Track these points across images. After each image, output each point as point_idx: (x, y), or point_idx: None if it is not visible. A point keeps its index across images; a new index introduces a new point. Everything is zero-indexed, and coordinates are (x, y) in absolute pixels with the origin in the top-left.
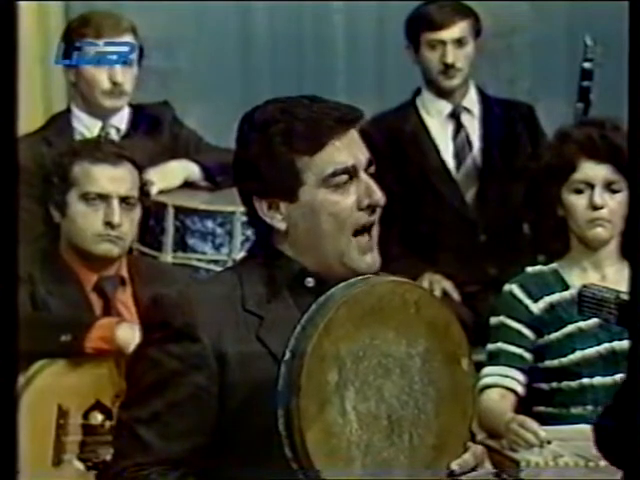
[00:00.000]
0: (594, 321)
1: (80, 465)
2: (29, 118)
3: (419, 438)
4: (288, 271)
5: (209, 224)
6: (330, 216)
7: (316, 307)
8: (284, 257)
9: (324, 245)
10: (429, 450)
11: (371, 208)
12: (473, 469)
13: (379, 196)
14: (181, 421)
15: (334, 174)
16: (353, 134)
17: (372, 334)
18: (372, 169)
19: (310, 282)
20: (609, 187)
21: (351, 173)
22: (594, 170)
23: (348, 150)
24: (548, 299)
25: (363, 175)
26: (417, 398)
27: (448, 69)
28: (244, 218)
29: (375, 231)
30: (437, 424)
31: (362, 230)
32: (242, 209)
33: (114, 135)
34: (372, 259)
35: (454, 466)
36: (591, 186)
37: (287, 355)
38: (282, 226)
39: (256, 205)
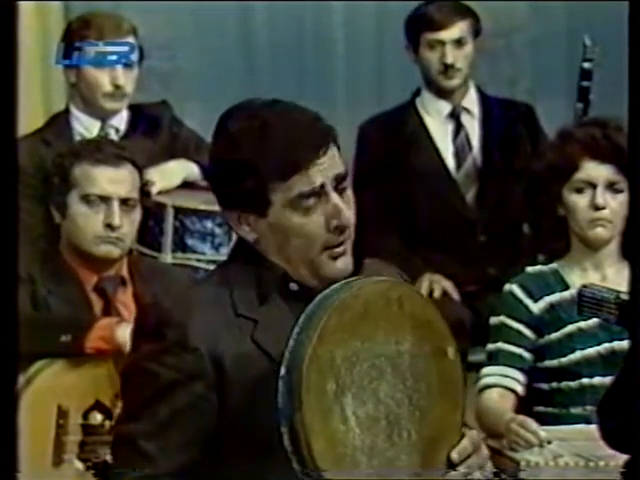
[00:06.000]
0: (594, 321)
1: (80, 465)
2: (29, 118)
3: (416, 434)
4: (273, 275)
5: (208, 224)
6: (297, 237)
7: (305, 318)
8: (266, 261)
9: (294, 258)
10: (426, 444)
11: (340, 229)
12: (471, 455)
13: (347, 216)
14: (181, 431)
15: (300, 197)
16: (327, 155)
17: (362, 337)
18: (345, 183)
19: (294, 287)
20: (611, 187)
21: (318, 194)
22: (596, 170)
23: (317, 173)
24: (548, 299)
25: (333, 194)
26: (410, 395)
27: (447, 69)
28: None
29: (348, 242)
30: (431, 417)
31: (331, 247)
32: None
33: (113, 135)
34: (344, 264)
35: (454, 455)
36: (593, 186)
37: (283, 371)
38: (251, 237)
39: (226, 214)
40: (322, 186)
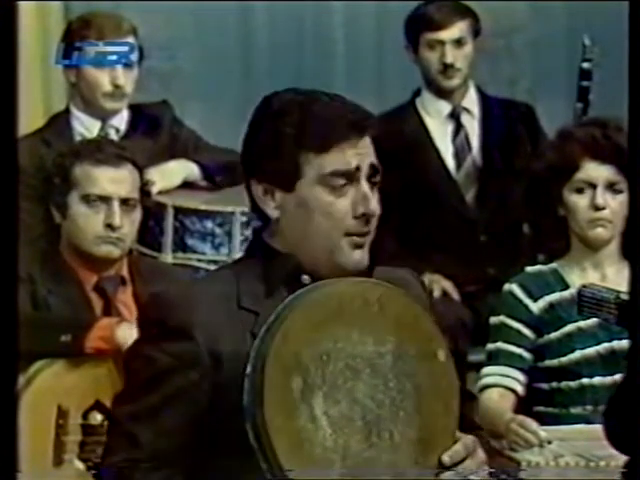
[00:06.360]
0: (594, 321)
1: (80, 465)
2: (29, 118)
3: (400, 435)
4: (284, 268)
5: (208, 224)
6: (323, 216)
7: (274, 317)
8: (279, 254)
9: (314, 240)
10: (414, 445)
11: (366, 217)
12: (464, 459)
13: (374, 206)
14: (172, 417)
15: (333, 174)
16: (365, 140)
17: (335, 337)
18: (377, 178)
19: (306, 280)
20: (611, 187)
21: (351, 177)
22: (597, 170)
23: (354, 155)
24: (548, 299)
25: (363, 182)
26: (393, 396)
27: (447, 69)
28: (243, 218)
29: (369, 236)
30: (419, 419)
31: (354, 235)
32: (241, 209)
33: (113, 135)
34: (361, 256)
35: (445, 458)
36: (593, 186)
37: (249, 369)
38: (274, 214)
39: (252, 187)
40: (357, 169)
